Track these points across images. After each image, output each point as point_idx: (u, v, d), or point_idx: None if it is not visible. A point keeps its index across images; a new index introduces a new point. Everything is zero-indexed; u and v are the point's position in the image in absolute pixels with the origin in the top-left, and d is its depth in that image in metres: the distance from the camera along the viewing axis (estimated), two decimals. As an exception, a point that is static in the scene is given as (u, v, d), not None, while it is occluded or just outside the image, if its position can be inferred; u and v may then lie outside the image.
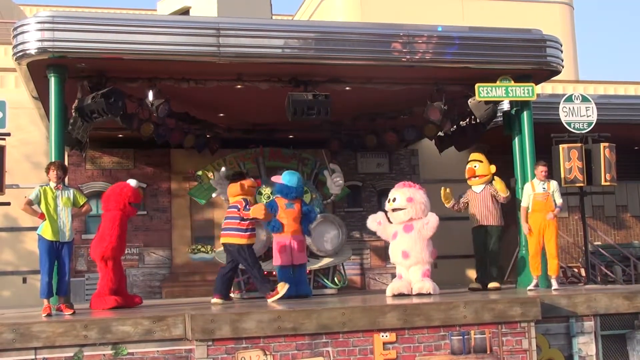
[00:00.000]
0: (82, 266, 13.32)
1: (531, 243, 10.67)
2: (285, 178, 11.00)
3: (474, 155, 11.49)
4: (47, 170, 9.01)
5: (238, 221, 10.08)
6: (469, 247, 11.69)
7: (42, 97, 11.03)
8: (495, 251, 11.07)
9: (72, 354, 7.40)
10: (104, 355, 7.47)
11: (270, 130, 13.65)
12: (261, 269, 10.25)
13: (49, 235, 8.88)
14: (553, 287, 10.39)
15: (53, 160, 9.54)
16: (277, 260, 10.83)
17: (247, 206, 10.02)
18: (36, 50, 9.64)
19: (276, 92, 11.10)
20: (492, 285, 10.86)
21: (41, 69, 10.00)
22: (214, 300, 9.99)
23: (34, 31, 9.65)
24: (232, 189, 10.41)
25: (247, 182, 10.42)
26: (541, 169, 10.59)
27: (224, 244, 10.24)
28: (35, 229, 13.29)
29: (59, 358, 7.37)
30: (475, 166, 11.31)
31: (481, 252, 11.26)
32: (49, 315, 8.54)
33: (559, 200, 10.51)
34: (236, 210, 10.11)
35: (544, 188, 10.49)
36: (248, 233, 10.11)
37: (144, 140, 12.14)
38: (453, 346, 8.18)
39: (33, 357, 7.33)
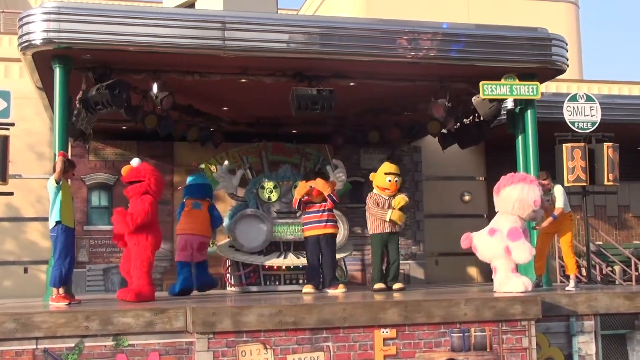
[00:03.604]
0: (84, 257, 13.34)
1: (538, 245, 10.66)
2: (189, 179, 11.59)
3: (394, 168, 11.14)
4: (71, 167, 9.11)
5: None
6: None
7: (46, 87, 11.05)
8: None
9: (73, 345, 7.42)
10: (105, 346, 7.49)
11: (274, 125, 13.66)
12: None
13: (71, 223, 8.99)
14: (568, 287, 10.34)
15: (57, 151, 9.61)
16: (177, 256, 11.38)
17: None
18: (41, 41, 9.66)
19: (281, 86, 11.10)
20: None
21: (46, 59, 10.01)
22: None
23: (39, 22, 9.67)
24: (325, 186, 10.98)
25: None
26: (542, 183, 10.47)
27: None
28: (37, 219, 13.49)
29: (60, 348, 7.39)
30: (396, 180, 11.01)
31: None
32: (71, 303, 8.72)
33: (557, 206, 10.47)
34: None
35: (547, 201, 10.50)
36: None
37: (147, 132, 12.15)
38: (453, 343, 8.19)
39: (34, 347, 7.35)
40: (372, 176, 11.17)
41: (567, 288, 10.29)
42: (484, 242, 9.97)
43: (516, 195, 9.81)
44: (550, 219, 10.43)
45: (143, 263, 9.32)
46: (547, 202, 10.48)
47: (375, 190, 11.02)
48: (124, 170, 9.69)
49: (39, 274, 13.33)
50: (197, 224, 11.34)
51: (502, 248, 9.71)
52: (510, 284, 9.57)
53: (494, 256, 9.85)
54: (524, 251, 9.63)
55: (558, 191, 10.52)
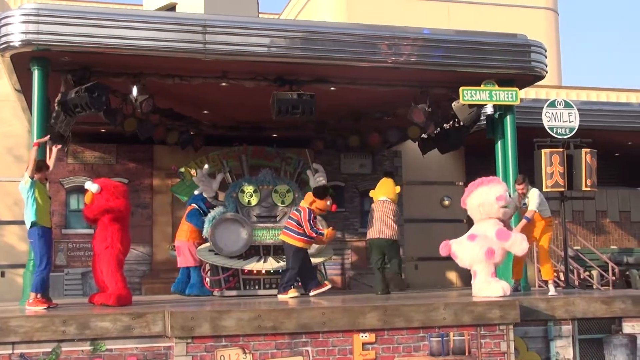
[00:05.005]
0: (62, 261, 13.23)
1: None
2: None
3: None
4: (40, 169, 8.99)
5: (297, 225, 10.71)
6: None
7: (25, 89, 10.96)
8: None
9: (50, 350, 7.35)
10: (82, 351, 7.42)
11: (255, 129, 13.65)
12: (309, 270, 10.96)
13: (47, 223, 8.90)
14: (550, 293, 10.35)
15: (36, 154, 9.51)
16: None
17: (312, 219, 10.68)
18: (20, 43, 9.58)
19: (261, 90, 11.09)
20: None
21: (25, 61, 9.93)
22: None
23: (18, 23, 9.60)
24: (308, 197, 10.95)
25: (321, 204, 10.85)
26: (517, 187, 10.57)
27: (281, 241, 10.96)
28: (14, 222, 13.35)
29: (36, 353, 7.32)
30: None
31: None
32: (50, 307, 8.67)
33: (530, 208, 10.48)
34: (298, 215, 10.75)
35: (524, 204, 10.57)
36: (303, 238, 10.70)
37: (126, 135, 12.09)
38: (432, 347, 8.21)
39: (10, 351, 7.27)
40: (398, 190, 11.45)
41: (549, 294, 10.26)
42: (463, 248, 10.00)
43: (477, 200, 9.99)
44: (523, 221, 10.46)
45: (116, 267, 9.27)
46: (524, 206, 10.54)
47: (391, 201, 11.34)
48: (87, 198, 9.50)
49: (16, 278, 13.20)
50: (179, 231, 12.37)
51: (482, 252, 9.74)
52: (489, 288, 9.61)
53: (474, 260, 9.88)
54: (520, 243, 9.70)
55: (532, 194, 10.55)
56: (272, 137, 13.97)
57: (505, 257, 9.98)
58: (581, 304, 9.24)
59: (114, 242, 9.29)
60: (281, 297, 10.50)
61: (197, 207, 12.17)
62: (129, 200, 9.70)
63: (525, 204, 10.54)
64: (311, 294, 10.70)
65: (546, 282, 10.70)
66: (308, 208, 10.76)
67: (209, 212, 12.08)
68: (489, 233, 9.80)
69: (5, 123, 13.68)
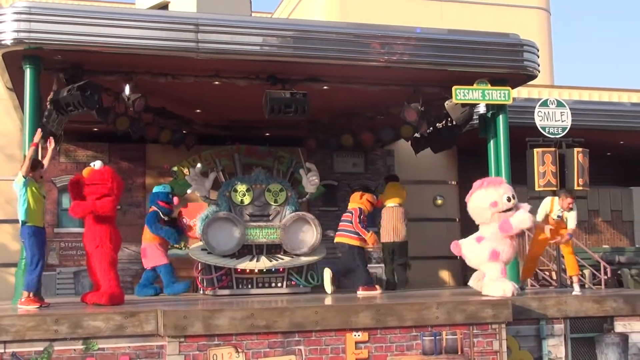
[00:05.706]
0: (54, 260, 13.18)
1: (533, 249, 10.71)
2: None
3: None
4: (34, 168, 8.94)
5: (351, 224, 11.06)
6: (442, 248, 11.77)
7: (16, 88, 10.92)
8: None
9: (42, 349, 7.34)
10: (74, 350, 7.41)
11: (247, 128, 13.63)
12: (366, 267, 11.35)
13: (39, 222, 8.86)
14: (574, 292, 10.30)
15: (27, 153, 9.47)
16: None
17: (362, 216, 11.08)
18: (12, 41, 9.56)
19: (254, 89, 11.09)
20: None
21: (16, 59, 9.90)
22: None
23: (10, 21, 9.57)
24: (355, 197, 11.38)
25: (367, 196, 11.37)
26: (569, 201, 10.46)
27: (337, 243, 11.36)
28: (7, 221, 13.31)
29: (28, 352, 7.30)
30: None
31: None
32: (42, 306, 8.62)
33: (570, 226, 10.46)
34: (350, 215, 11.12)
35: (559, 216, 10.56)
36: (358, 236, 11.02)
37: (119, 134, 12.05)
38: (425, 346, 8.23)
39: (2, 350, 7.26)
40: (404, 196, 12.54)
41: (573, 293, 10.18)
42: (471, 250, 10.05)
43: (473, 203, 10.04)
44: (567, 237, 10.51)
45: (109, 265, 9.23)
46: (558, 218, 10.54)
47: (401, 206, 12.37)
48: (86, 171, 9.57)
49: (8, 277, 13.15)
50: (144, 232, 12.03)
51: (487, 254, 9.74)
52: (490, 287, 9.63)
53: (481, 262, 9.89)
54: (522, 216, 9.74)
55: (572, 213, 10.52)
56: (265, 136, 13.96)
57: (513, 255, 9.97)
58: (573, 303, 9.28)
59: (103, 241, 9.27)
60: (363, 293, 10.77)
61: (156, 209, 11.91)
62: (120, 195, 9.71)
63: (560, 216, 10.53)
64: (359, 293, 10.88)
65: (539, 281, 10.73)
66: (359, 207, 11.16)
67: (166, 211, 11.89)
68: (494, 231, 9.77)
69: (-3, 122, 13.64)
